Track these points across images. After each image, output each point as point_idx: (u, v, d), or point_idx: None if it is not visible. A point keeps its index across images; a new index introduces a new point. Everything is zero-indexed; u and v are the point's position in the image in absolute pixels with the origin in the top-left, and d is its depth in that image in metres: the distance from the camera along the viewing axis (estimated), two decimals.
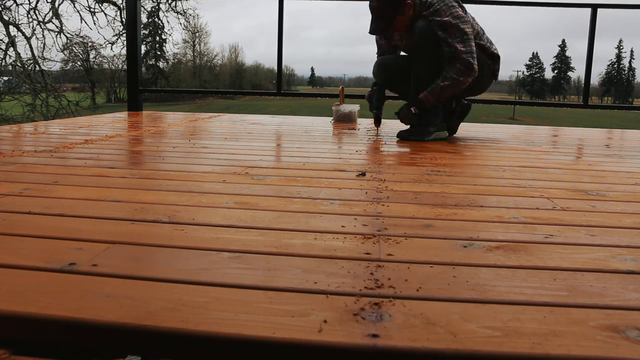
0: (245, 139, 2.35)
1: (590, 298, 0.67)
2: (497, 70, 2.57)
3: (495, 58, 2.53)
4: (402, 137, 2.48)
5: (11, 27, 10.87)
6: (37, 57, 10.98)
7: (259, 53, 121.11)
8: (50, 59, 11.32)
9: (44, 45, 11.27)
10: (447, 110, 2.59)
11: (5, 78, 11.20)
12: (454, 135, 2.71)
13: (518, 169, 1.70)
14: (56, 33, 11.60)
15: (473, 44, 2.34)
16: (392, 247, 0.84)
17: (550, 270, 0.77)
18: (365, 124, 3.31)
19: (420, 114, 2.45)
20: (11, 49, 10.64)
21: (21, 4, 10.97)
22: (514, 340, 0.54)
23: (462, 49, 2.31)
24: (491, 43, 2.55)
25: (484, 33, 2.55)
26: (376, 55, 2.82)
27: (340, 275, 0.72)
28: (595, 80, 72.96)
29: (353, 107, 3.27)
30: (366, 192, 1.27)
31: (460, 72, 2.33)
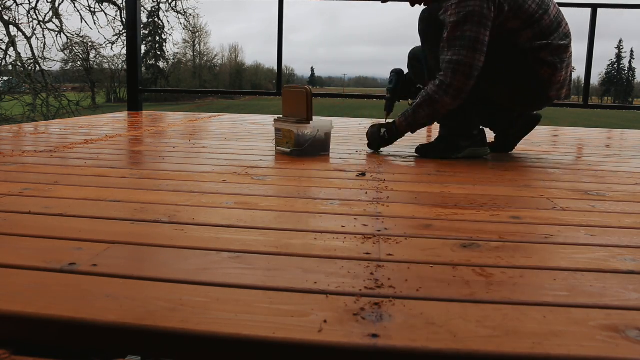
0: (245, 139, 2.35)
1: (590, 298, 0.67)
2: (552, 88, 1.85)
3: (551, 66, 1.80)
4: (421, 153, 1.96)
5: (11, 27, 10.88)
6: (37, 57, 10.99)
7: (247, 55, 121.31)
8: (50, 59, 11.35)
9: (44, 45, 11.30)
10: (504, 122, 2.07)
11: (6, 78, 11.21)
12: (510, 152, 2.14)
13: (518, 169, 1.70)
14: (56, 33, 11.62)
15: (469, 53, 1.73)
16: (392, 247, 0.84)
17: (550, 270, 0.77)
18: (365, 123, 3.30)
19: (447, 125, 1.94)
20: (11, 48, 10.66)
21: (21, 4, 10.99)
22: (514, 340, 0.54)
23: (446, 57, 1.77)
24: (560, 54, 1.81)
25: (557, 28, 1.81)
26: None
27: (340, 275, 0.72)
28: (595, 80, 73.01)
29: (325, 125, 1.92)
30: (366, 192, 1.27)
31: (435, 89, 1.79)
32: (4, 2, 10.77)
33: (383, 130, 1.97)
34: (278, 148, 1.93)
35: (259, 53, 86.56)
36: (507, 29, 1.79)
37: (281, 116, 1.96)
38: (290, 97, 1.92)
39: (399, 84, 2.14)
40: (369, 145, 2.04)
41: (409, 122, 1.90)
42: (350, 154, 1.94)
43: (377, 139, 1.99)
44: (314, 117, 1.87)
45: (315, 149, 1.87)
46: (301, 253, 0.81)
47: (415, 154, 1.96)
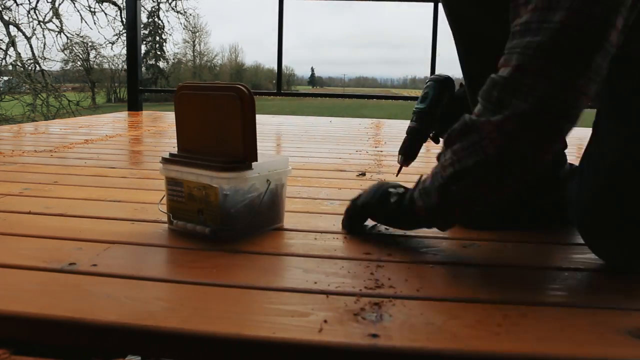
0: None
1: (591, 298, 0.67)
2: None
3: None
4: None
5: (11, 27, 10.88)
6: (37, 57, 10.99)
7: (246, 55, 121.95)
8: (50, 59, 11.34)
9: (44, 45, 11.28)
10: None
11: (6, 78, 11.20)
12: None
13: None
14: (56, 33, 11.62)
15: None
16: (392, 247, 0.84)
17: (551, 270, 0.77)
18: (365, 123, 3.28)
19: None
20: (11, 48, 10.65)
21: (21, 4, 10.97)
22: (514, 340, 0.54)
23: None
24: None
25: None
26: None
27: (340, 275, 0.72)
28: None
29: (278, 169, 0.88)
30: None
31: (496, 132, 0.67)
32: (4, 2, 10.78)
33: (395, 194, 0.85)
34: (177, 223, 0.87)
35: (250, 55, 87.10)
36: None
37: (179, 152, 0.98)
38: (203, 109, 0.88)
39: (439, 104, 1.06)
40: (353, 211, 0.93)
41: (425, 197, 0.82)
42: (350, 154, 1.94)
43: (379, 206, 0.87)
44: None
45: (261, 220, 0.89)
46: (301, 253, 0.81)
47: None
